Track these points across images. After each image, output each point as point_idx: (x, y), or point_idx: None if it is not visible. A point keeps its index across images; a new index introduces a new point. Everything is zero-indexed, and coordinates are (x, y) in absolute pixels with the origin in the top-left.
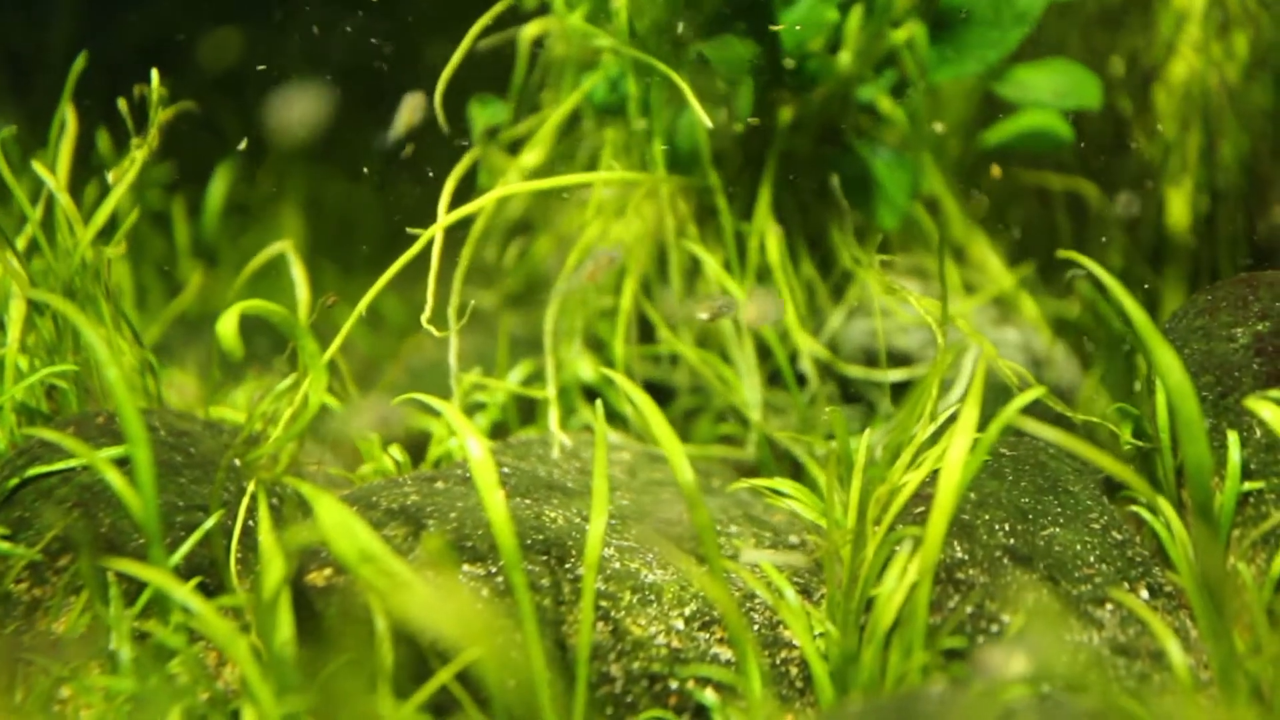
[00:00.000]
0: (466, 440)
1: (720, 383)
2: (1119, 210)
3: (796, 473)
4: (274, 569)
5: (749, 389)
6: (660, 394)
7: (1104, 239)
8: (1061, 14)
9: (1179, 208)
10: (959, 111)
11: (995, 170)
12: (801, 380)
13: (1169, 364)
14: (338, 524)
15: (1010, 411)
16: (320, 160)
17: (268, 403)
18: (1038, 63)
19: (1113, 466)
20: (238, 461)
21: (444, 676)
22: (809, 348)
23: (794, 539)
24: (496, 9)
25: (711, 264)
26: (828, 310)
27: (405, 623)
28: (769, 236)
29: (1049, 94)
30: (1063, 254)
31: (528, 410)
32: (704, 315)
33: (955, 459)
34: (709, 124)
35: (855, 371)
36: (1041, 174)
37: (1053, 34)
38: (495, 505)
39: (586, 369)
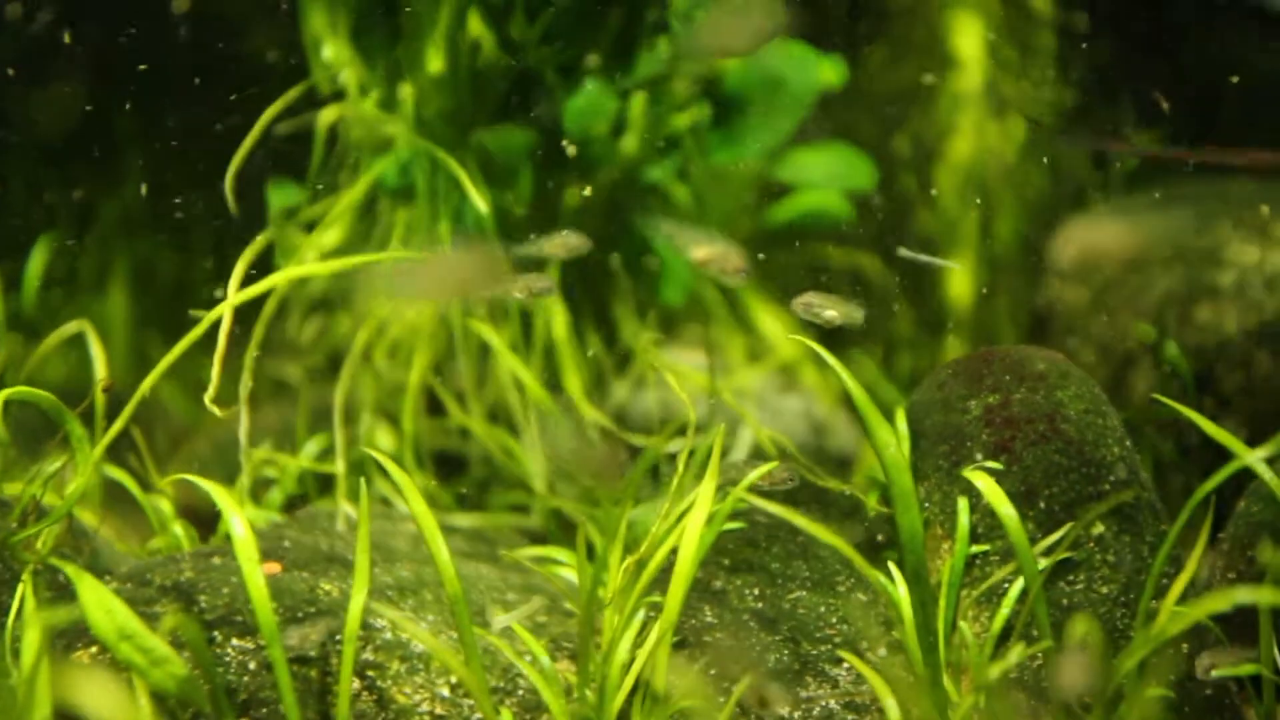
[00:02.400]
0: (230, 518)
1: (505, 455)
2: (900, 283)
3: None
4: (30, 647)
5: (533, 460)
6: (455, 464)
7: (893, 309)
8: (849, 97)
9: (960, 281)
10: (743, 192)
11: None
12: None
13: (884, 440)
14: (97, 603)
15: (746, 483)
16: (150, 230)
17: (36, 485)
18: (814, 146)
19: (825, 535)
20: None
21: None
22: (592, 418)
23: (569, 606)
24: (290, 95)
25: (496, 341)
26: (614, 383)
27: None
28: (554, 314)
29: (823, 176)
30: (792, 337)
31: (328, 483)
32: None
33: (692, 530)
34: (484, 208)
35: (636, 440)
36: (825, 249)
37: (841, 115)
38: (255, 582)
39: (384, 441)
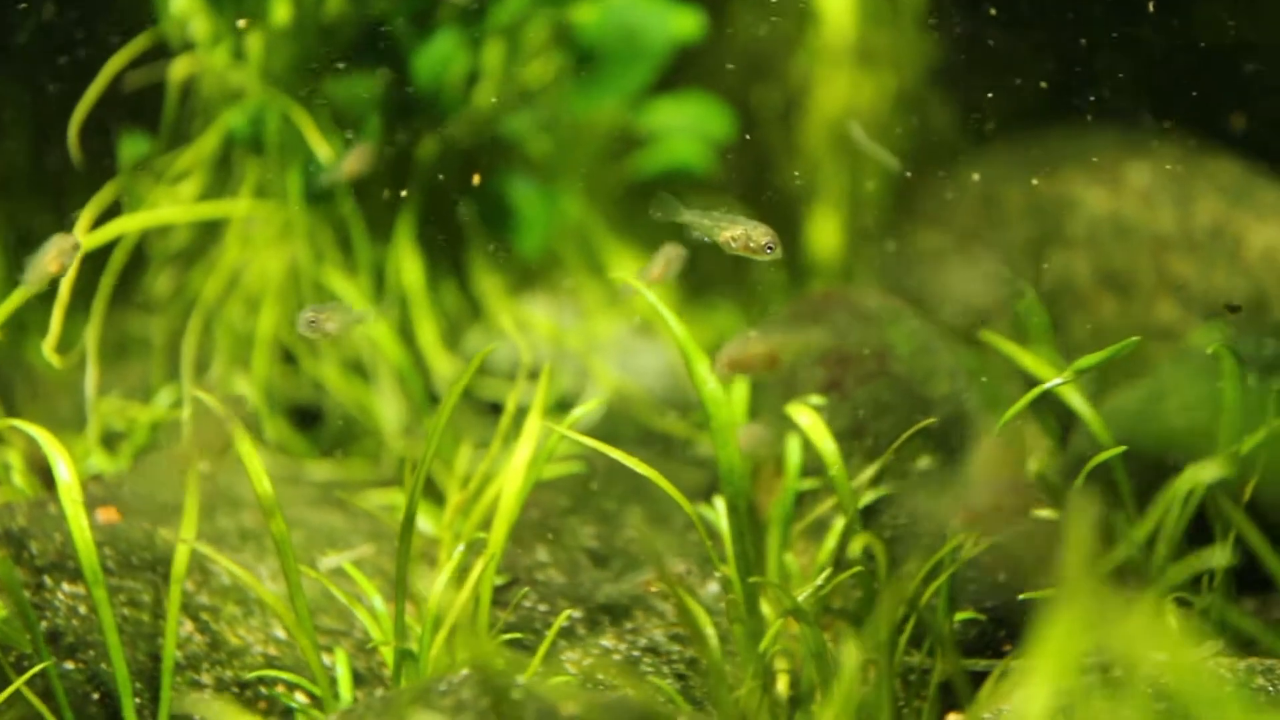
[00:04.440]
0: (55, 463)
1: (358, 407)
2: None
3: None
4: None
5: (387, 411)
6: (314, 416)
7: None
8: (713, 50)
9: (826, 229)
10: (604, 144)
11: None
12: (435, 399)
13: (701, 375)
14: None
15: (570, 422)
16: (29, 192)
17: None
18: (673, 95)
19: (650, 473)
20: None
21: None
22: (445, 369)
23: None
24: (134, 46)
25: (348, 290)
26: (466, 331)
27: None
28: (407, 264)
29: (682, 125)
30: (615, 276)
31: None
32: (331, 327)
33: (515, 468)
34: (325, 158)
35: (489, 389)
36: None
37: (706, 69)
38: (79, 525)
39: (240, 391)
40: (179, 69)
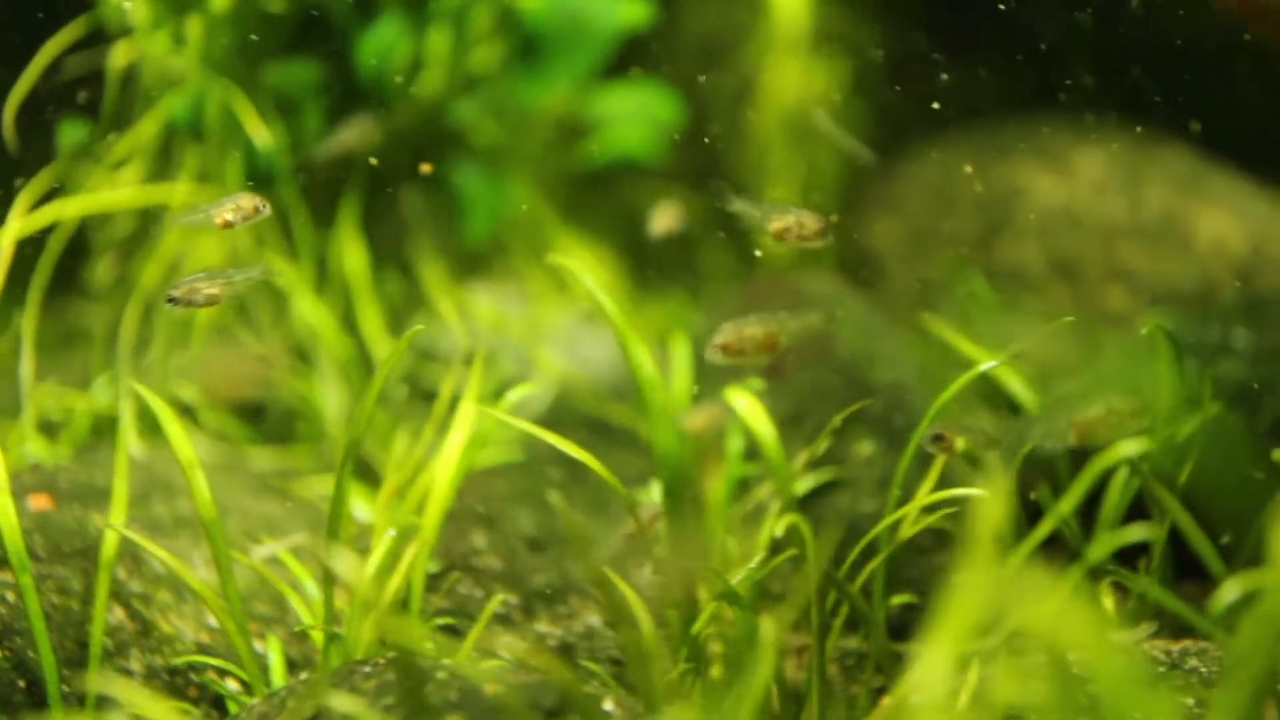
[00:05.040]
0: None
1: (299, 396)
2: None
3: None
4: None
5: (329, 399)
6: (252, 404)
7: (709, 248)
8: (663, 37)
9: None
10: (552, 132)
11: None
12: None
13: (639, 359)
14: None
15: (504, 407)
16: None
17: None
18: (621, 82)
19: (585, 458)
20: None
21: None
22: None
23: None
24: (71, 30)
25: (290, 278)
26: (410, 320)
27: None
28: (349, 252)
29: (630, 112)
30: (552, 259)
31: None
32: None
33: (449, 452)
34: (263, 143)
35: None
36: (635, 189)
37: (657, 56)
38: (4, 512)
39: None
40: (119, 55)
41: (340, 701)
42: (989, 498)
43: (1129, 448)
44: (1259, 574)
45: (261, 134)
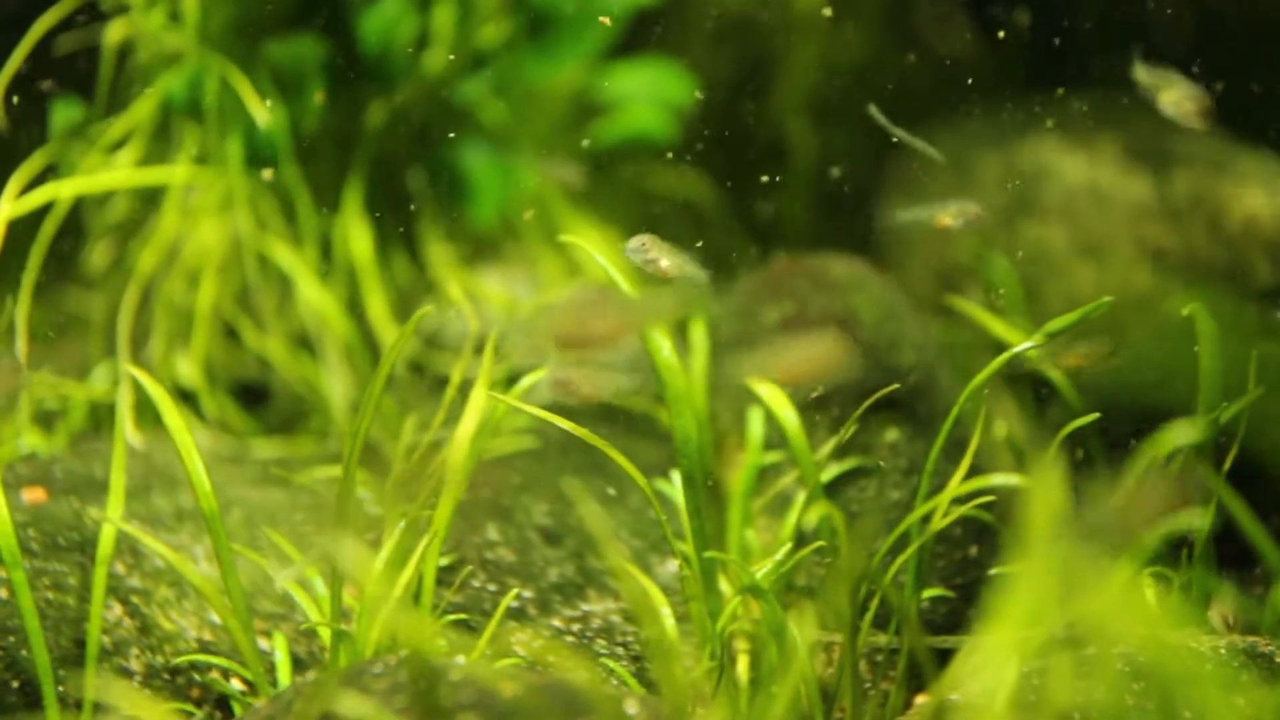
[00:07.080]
0: None
1: (305, 384)
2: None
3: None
4: None
5: (335, 386)
6: (260, 393)
7: (730, 230)
8: (681, 17)
9: (800, 200)
10: (561, 111)
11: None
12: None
13: (657, 344)
14: None
15: (517, 393)
16: None
17: None
18: (633, 61)
19: (603, 446)
20: None
21: None
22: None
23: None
24: (62, 6)
25: (293, 263)
26: (417, 304)
27: None
28: (355, 234)
29: (642, 92)
30: (565, 238)
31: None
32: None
33: (460, 440)
34: (263, 121)
35: (445, 363)
36: (654, 171)
37: (674, 37)
38: None
39: (183, 369)
40: (114, 32)
41: (350, 703)
42: (1042, 486)
43: (1180, 434)
44: None
45: (262, 113)
